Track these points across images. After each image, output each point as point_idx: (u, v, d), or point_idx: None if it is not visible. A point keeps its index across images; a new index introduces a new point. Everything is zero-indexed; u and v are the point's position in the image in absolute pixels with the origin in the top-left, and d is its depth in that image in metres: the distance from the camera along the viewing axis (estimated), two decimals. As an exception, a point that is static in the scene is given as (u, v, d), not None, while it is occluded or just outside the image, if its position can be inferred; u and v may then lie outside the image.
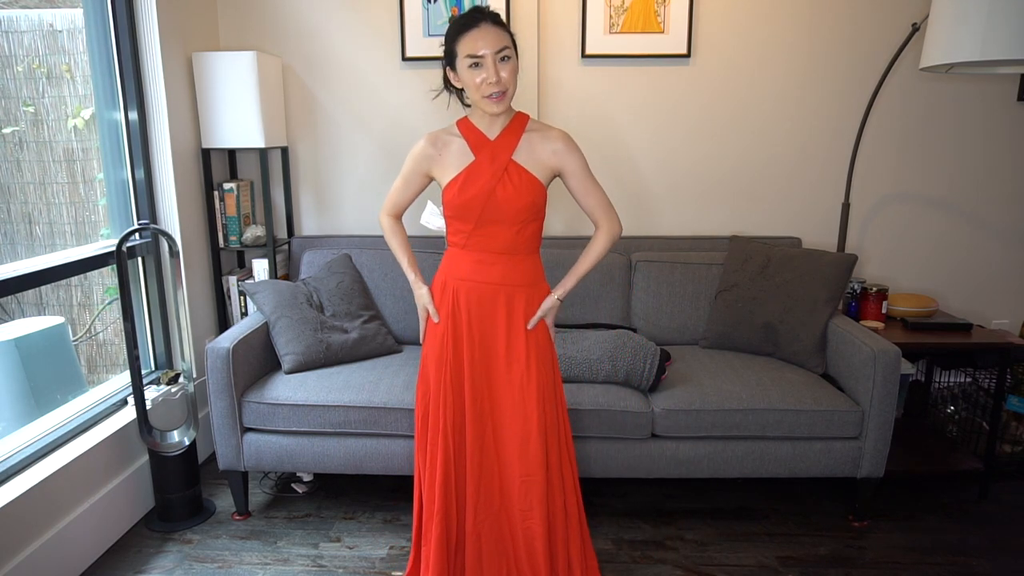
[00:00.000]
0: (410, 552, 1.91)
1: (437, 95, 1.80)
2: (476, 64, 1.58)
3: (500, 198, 1.65)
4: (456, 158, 1.70)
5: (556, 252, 2.62)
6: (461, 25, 1.60)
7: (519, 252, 1.72)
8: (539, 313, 1.74)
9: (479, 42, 1.57)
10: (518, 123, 1.71)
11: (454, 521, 1.75)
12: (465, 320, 1.72)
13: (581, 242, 2.77)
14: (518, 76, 1.66)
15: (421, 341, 1.83)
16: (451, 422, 1.72)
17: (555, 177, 1.74)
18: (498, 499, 1.77)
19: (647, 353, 2.26)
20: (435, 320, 1.76)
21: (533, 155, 1.69)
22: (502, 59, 1.58)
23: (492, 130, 1.70)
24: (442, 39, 1.69)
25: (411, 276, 1.82)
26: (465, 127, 1.72)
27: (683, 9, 2.74)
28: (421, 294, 1.79)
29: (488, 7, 1.67)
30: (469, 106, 1.74)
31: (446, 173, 1.70)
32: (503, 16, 2.74)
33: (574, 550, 1.79)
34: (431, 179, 1.78)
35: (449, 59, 1.65)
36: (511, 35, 1.61)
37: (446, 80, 1.73)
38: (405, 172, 1.79)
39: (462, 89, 1.71)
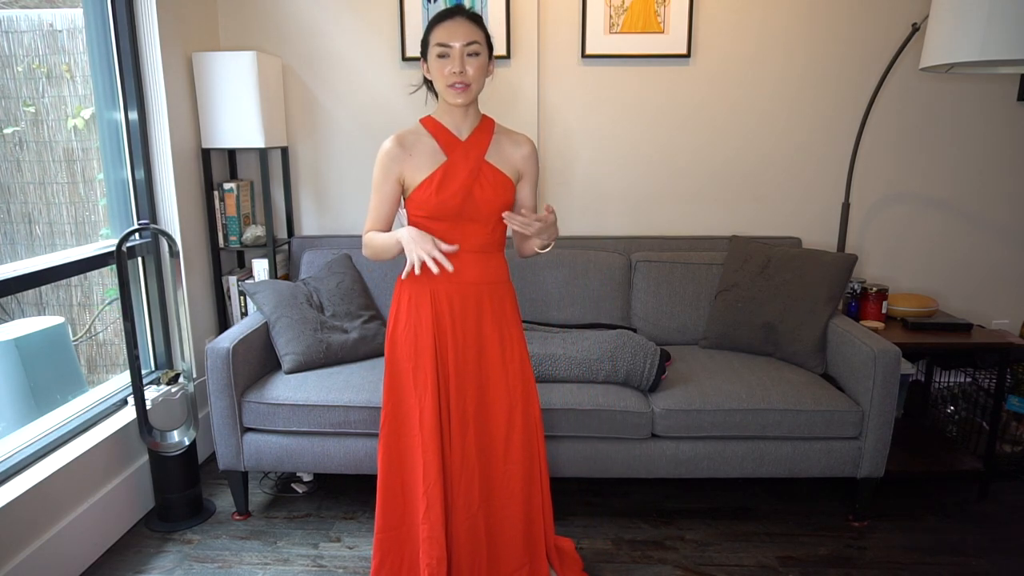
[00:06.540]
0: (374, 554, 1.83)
1: (415, 90, 1.85)
2: (444, 55, 1.61)
3: (478, 198, 1.68)
4: (427, 157, 1.68)
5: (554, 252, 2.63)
6: (438, 17, 1.64)
7: (492, 250, 1.76)
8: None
9: (450, 33, 1.61)
10: (487, 125, 1.74)
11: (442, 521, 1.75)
12: (448, 321, 1.72)
13: (582, 241, 2.81)
14: (488, 77, 1.68)
15: (416, 270, 1.59)
16: (434, 426, 1.71)
17: (519, 180, 1.78)
18: (477, 495, 1.77)
19: (647, 353, 2.27)
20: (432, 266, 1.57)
21: (504, 157, 1.73)
22: (470, 54, 1.61)
23: (462, 130, 1.71)
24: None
25: (397, 235, 1.63)
26: (432, 126, 1.71)
27: (683, 9, 2.74)
28: (409, 229, 1.62)
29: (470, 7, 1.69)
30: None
31: (418, 173, 1.67)
32: (503, 16, 2.77)
33: (549, 530, 1.88)
34: (402, 185, 1.70)
35: (424, 50, 1.68)
36: (487, 35, 1.65)
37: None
38: (377, 182, 1.69)
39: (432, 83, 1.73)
